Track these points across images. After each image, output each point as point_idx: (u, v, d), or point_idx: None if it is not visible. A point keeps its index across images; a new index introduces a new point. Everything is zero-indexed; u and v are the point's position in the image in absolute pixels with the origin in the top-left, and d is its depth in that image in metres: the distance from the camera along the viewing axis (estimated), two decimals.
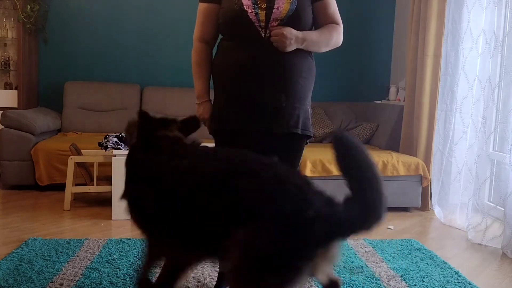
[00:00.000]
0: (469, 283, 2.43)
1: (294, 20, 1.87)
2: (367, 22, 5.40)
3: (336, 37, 1.99)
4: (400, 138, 4.36)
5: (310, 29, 1.99)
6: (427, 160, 3.96)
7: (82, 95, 4.88)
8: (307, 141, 2.07)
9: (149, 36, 5.16)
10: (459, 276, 2.52)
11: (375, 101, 5.17)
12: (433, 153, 3.95)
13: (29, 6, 4.63)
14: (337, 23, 2.01)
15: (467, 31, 3.61)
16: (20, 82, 4.71)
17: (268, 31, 1.86)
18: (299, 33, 1.86)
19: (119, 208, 3.36)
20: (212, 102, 2.05)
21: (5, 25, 4.81)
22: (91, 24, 5.07)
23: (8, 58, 4.85)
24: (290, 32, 1.83)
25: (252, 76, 1.89)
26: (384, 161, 3.82)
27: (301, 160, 2.09)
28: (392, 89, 5.04)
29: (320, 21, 1.99)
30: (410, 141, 4.21)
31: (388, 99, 5.09)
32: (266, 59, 1.87)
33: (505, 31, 3.19)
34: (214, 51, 2.06)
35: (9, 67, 4.86)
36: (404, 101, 4.44)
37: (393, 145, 4.43)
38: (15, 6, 4.62)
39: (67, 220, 3.35)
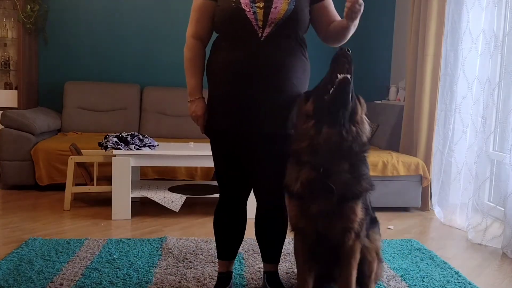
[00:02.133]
0: (469, 283, 2.43)
1: (292, 20, 1.87)
2: (367, 22, 5.37)
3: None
4: (400, 138, 4.36)
5: (304, 33, 1.98)
6: (427, 160, 3.96)
7: (82, 95, 4.88)
8: None
9: (149, 36, 5.17)
10: (459, 276, 2.52)
11: (375, 101, 5.17)
12: (433, 153, 3.95)
13: (29, 6, 4.64)
14: None
15: (466, 31, 3.61)
16: (20, 82, 4.71)
17: (265, 31, 1.85)
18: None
19: (119, 208, 3.36)
20: (206, 101, 2.04)
21: (5, 25, 4.81)
22: (91, 24, 5.07)
23: (8, 58, 4.85)
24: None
25: (247, 77, 1.88)
26: (384, 161, 3.82)
27: None
28: (392, 89, 5.04)
29: (325, 20, 1.98)
30: (410, 141, 4.21)
31: (388, 99, 5.09)
32: (262, 60, 1.86)
33: (505, 31, 3.19)
34: (208, 49, 2.04)
35: (9, 67, 4.86)
36: (404, 101, 4.44)
37: (393, 145, 4.43)
38: (15, 6, 4.63)
39: (67, 220, 3.35)
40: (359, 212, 1.82)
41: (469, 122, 3.62)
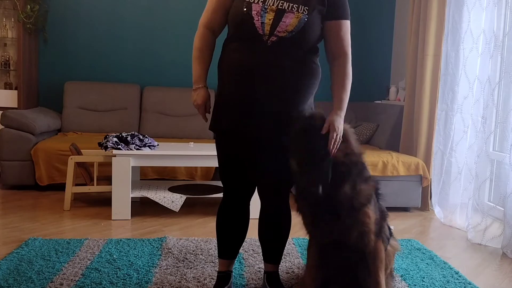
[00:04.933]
0: (469, 283, 2.43)
1: (299, 35, 1.85)
2: (367, 22, 5.39)
3: (350, 76, 1.95)
4: (400, 138, 4.36)
5: (315, 44, 1.94)
6: (427, 160, 3.96)
7: (82, 95, 4.88)
8: None
9: (149, 36, 5.17)
10: (459, 276, 2.52)
11: (375, 101, 5.17)
12: (433, 153, 3.95)
13: (29, 6, 4.63)
14: (346, 53, 1.93)
15: (467, 31, 3.61)
16: (20, 82, 4.71)
17: (271, 39, 1.84)
18: (340, 116, 1.89)
19: (119, 208, 3.36)
20: (214, 100, 2.05)
21: (5, 25, 4.81)
22: (91, 24, 5.07)
23: (8, 58, 4.85)
24: (339, 128, 1.86)
25: (251, 80, 1.88)
26: (384, 161, 3.82)
27: None
28: (392, 89, 5.04)
29: (330, 43, 1.94)
30: (410, 141, 4.21)
31: (388, 99, 5.09)
32: (267, 64, 1.86)
33: (505, 31, 3.19)
34: (218, 46, 2.04)
35: (9, 67, 4.86)
36: (404, 101, 4.44)
37: (393, 145, 4.43)
38: (15, 6, 4.63)
39: (67, 220, 3.35)
40: (372, 214, 1.85)
41: (470, 122, 3.62)
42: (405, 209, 3.97)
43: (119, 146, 3.38)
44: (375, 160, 3.81)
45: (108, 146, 3.40)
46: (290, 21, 1.83)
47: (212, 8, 1.97)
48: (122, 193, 3.35)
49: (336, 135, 1.84)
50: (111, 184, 3.37)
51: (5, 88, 4.85)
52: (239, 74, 1.91)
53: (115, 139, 3.45)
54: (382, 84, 5.36)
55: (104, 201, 3.72)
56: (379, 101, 5.15)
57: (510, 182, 2.97)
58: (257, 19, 1.83)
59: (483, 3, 3.45)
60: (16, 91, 4.75)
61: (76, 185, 3.63)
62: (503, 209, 3.03)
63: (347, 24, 1.94)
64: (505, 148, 3.11)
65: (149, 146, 3.51)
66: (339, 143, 1.85)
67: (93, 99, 4.90)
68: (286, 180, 2.02)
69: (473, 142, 3.50)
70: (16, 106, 4.67)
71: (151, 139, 3.65)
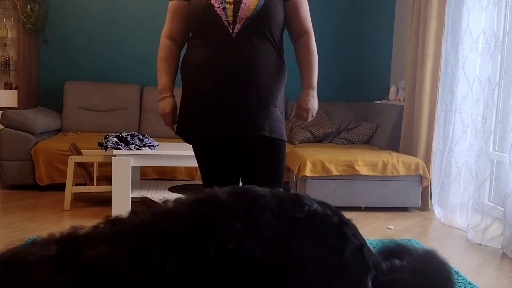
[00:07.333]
0: (469, 283, 2.43)
1: (262, 17, 1.84)
2: (367, 22, 5.40)
3: (315, 53, 1.99)
4: (400, 138, 4.36)
5: (282, 29, 1.96)
6: (427, 160, 3.96)
7: (82, 95, 4.88)
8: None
9: (149, 36, 5.16)
10: (459, 276, 2.52)
11: (375, 101, 5.17)
12: (433, 153, 3.95)
13: (29, 6, 4.63)
14: (307, 31, 1.97)
15: (467, 31, 3.61)
16: (20, 82, 4.71)
17: (236, 27, 1.83)
18: (311, 95, 1.94)
19: (119, 208, 3.36)
20: (180, 102, 2.01)
21: (5, 25, 4.81)
22: (91, 24, 5.07)
23: (8, 58, 4.85)
24: (313, 106, 1.95)
25: (219, 74, 1.85)
26: (384, 161, 3.82)
27: (284, 166, 2.01)
28: (392, 89, 5.05)
29: (292, 22, 1.96)
30: (410, 141, 4.21)
31: (388, 99, 5.09)
32: (234, 57, 1.82)
33: (505, 31, 3.19)
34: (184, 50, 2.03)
35: (9, 67, 4.85)
36: (404, 101, 4.44)
37: (393, 145, 4.43)
38: (15, 6, 4.62)
39: (67, 220, 3.35)
40: None
41: (469, 122, 3.62)
42: (405, 209, 3.97)
43: (119, 146, 3.38)
44: (375, 160, 3.81)
45: (108, 146, 3.40)
46: (250, 1, 1.83)
47: (170, 17, 2.01)
48: (122, 193, 3.35)
49: (309, 114, 1.94)
50: (111, 184, 3.37)
51: (5, 88, 4.84)
52: (205, 71, 1.87)
53: (115, 139, 3.45)
54: (382, 84, 5.36)
55: (104, 201, 3.72)
56: (379, 101, 5.15)
57: (510, 182, 2.97)
58: (217, 6, 1.84)
59: (483, 3, 3.45)
60: (16, 91, 4.75)
61: (76, 185, 3.63)
62: (503, 209, 3.03)
63: (306, 3, 1.98)
64: (505, 148, 3.11)
65: (149, 146, 3.51)
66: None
67: (93, 99, 4.90)
68: (270, 175, 1.96)
69: (473, 142, 3.50)
70: (16, 106, 4.67)
71: (151, 139, 3.65)
